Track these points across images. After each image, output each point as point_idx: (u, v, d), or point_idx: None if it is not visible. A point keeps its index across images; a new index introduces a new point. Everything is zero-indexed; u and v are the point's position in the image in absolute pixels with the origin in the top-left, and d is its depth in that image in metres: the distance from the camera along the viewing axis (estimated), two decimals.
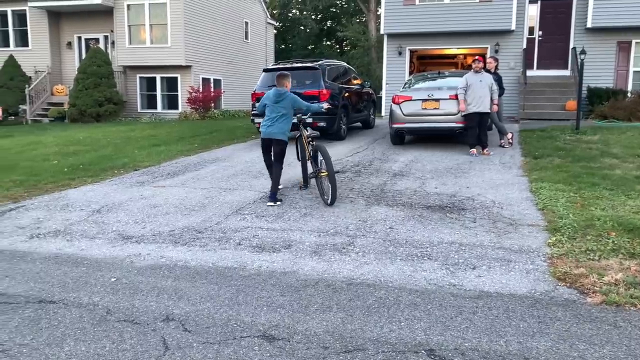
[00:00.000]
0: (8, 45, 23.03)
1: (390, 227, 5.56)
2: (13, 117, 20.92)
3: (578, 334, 3.31)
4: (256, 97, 12.09)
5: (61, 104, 21.10)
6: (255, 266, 4.61)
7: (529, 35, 16.60)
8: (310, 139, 7.21)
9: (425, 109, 10.17)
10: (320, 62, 12.13)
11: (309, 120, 11.53)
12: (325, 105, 7.99)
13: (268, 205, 6.58)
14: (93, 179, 8.49)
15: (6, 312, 3.80)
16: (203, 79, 22.18)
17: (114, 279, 4.38)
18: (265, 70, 12.39)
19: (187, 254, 4.97)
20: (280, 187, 7.17)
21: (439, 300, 3.83)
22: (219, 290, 4.09)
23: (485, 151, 9.71)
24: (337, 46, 43.18)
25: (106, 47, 22.46)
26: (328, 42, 43.84)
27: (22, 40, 22.96)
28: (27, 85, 20.87)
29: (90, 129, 16.96)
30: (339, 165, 9.01)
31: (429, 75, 12.20)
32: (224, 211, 6.38)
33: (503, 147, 10.33)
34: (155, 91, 22.10)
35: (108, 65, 20.35)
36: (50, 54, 22.58)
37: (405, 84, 11.64)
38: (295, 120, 7.31)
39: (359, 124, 14.54)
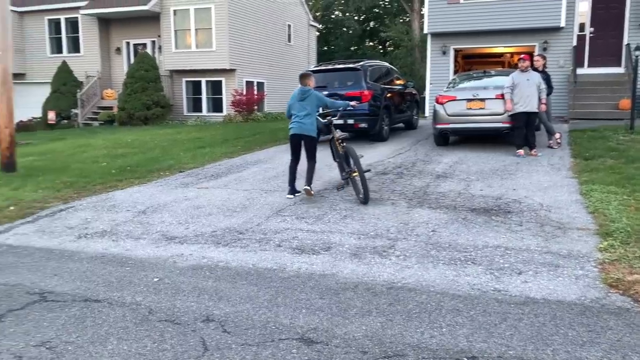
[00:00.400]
0: (61, 52, 23.98)
1: (432, 230, 5.45)
2: (66, 121, 21.75)
3: (631, 344, 3.14)
4: None
5: (110, 108, 21.80)
6: (295, 268, 4.59)
7: (579, 32, 16.04)
8: (340, 140, 7.22)
9: (470, 109, 9.95)
10: (362, 63, 12.08)
11: (351, 121, 11.55)
12: (353, 103, 8.00)
13: (304, 189, 7.00)
14: (140, 180, 8.70)
15: (54, 309, 3.91)
16: (247, 82, 22.46)
17: (157, 279, 4.45)
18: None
19: (229, 254, 5.00)
20: (296, 194, 7.27)
21: (483, 306, 3.72)
22: (258, 292, 4.10)
23: (532, 152, 9.42)
24: (380, 47, 42.94)
25: (153, 52, 23.06)
26: (371, 43, 43.67)
27: (74, 47, 23.86)
28: (78, 90, 21.66)
29: (138, 131, 17.42)
30: (381, 167, 8.93)
31: (474, 75, 11.96)
32: (264, 212, 6.40)
33: (551, 147, 10.00)
34: (201, 94, 22.54)
35: (155, 69, 20.88)
36: (100, 59, 23.37)
37: (450, 83, 11.44)
38: (325, 122, 7.44)
39: (401, 124, 14.40)
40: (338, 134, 7.31)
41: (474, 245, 4.96)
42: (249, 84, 22.60)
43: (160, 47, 22.69)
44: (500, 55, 20.86)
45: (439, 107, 10.31)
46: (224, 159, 10.71)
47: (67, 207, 7.06)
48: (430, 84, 17.82)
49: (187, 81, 22.61)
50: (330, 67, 12.36)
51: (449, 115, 10.15)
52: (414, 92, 14.73)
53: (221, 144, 13.16)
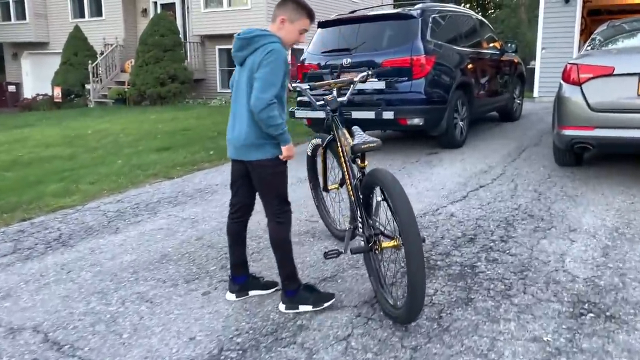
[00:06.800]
0: (83, 16, 20.25)
1: None
2: (77, 98, 18.00)
3: None
4: (303, 73, 7.03)
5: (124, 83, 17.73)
6: None
7: None
8: (354, 155, 2.89)
9: None
10: (421, 7, 6.65)
11: (389, 114, 6.22)
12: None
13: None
14: None
15: None
16: (294, 49, 17.45)
17: None
18: (321, 26, 7.23)
19: None
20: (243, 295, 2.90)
21: None
22: None
23: None
24: (478, 9, 36.06)
25: (183, 14, 18.65)
26: (467, 5, 36.85)
27: (97, 9, 20.02)
28: (89, 62, 17.74)
29: (131, 115, 13.13)
30: (432, 229, 3.71)
31: None
32: None
33: None
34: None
35: (174, 34, 16.41)
36: (123, 23, 19.33)
37: (591, 41, 5.74)
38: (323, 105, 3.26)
39: (493, 113, 8.87)
40: (355, 137, 2.92)
41: None
42: (298, 52, 17.57)
43: (188, 7, 18.21)
44: None
45: (570, 91, 4.76)
46: (158, 181, 5.93)
47: None
48: (543, 48, 11.91)
49: (220, 49, 18.01)
50: (362, 15, 7.06)
51: (593, 109, 4.60)
52: (515, 61, 9.08)
53: (204, 141, 8.42)
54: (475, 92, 7.18)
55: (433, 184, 5.11)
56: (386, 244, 2.69)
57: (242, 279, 2.92)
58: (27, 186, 5.93)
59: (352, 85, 3.47)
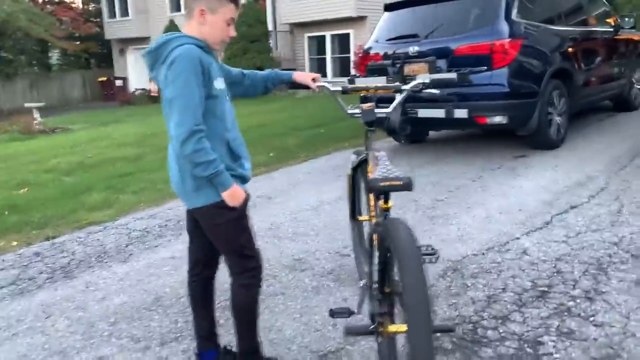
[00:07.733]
0: (180, 10, 20.65)
1: None
2: None
3: None
4: (365, 65, 6.19)
5: None
6: None
7: None
8: (370, 192, 2.31)
9: None
10: None
11: (461, 112, 5.21)
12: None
13: None
14: None
15: None
16: None
17: None
18: (388, 8, 6.31)
19: None
20: None
21: None
22: None
23: None
24: None
25: (273, 2, 18.32)
26: None
27: None
28: None
29: None
30: (486, 274, 2.78)
31: None
32: None
33: None
34: (325, 54, 17.26)
35: (262, 24, 16.11)
36: None
37: None
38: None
39: (605, 102, 7.46)
40: (377, 170, 2.01)
41: None
42: None
43: None
44: None
45: None
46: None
47: None
48: None
49: (309, 37, 17.51)
50: None
51: None
52: (635, 39, 7.54)
53: (268, 141, 7.92)
54: (578, 80, 5.92)
55: (510, 202, 4.10)
56: (394, 327, 1.87)
57: (209, 356, 2.25)
58: (73, 195, 5.71)
59: (401, 94, 2.63)
